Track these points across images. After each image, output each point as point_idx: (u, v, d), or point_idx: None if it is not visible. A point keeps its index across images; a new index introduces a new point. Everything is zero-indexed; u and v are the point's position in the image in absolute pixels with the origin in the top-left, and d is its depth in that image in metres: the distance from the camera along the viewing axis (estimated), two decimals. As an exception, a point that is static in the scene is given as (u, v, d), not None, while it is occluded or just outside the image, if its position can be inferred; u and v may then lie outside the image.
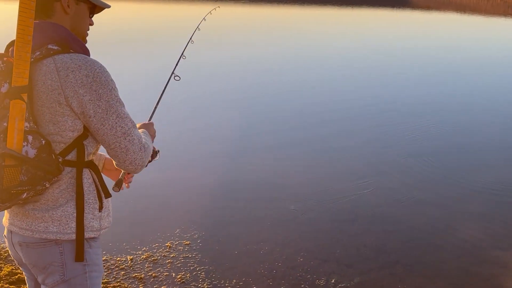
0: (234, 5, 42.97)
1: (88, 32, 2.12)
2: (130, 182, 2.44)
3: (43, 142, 1.84)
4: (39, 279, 2.04)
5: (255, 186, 6.19)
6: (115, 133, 1.92)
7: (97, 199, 2.03)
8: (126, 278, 4.23)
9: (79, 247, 1.98)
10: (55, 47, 1.89)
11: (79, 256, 1.99)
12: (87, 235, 2.00)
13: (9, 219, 2.03)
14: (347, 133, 8.55)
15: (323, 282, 4.23)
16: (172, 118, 8.80)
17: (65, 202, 1.96)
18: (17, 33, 1.78)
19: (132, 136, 1.96)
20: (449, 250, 4.79)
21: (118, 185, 2.24)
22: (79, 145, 1.95)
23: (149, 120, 2.63)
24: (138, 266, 4.40)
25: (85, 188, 1.99)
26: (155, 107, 2.88)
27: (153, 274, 4.28)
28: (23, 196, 1.84)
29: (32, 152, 1.81)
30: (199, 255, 4.58)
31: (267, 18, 34.04)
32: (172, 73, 3.22)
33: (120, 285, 4.12)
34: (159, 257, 4.53)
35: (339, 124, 9.09)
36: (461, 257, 4.68)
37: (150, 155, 2.09)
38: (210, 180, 6.36)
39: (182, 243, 4.78)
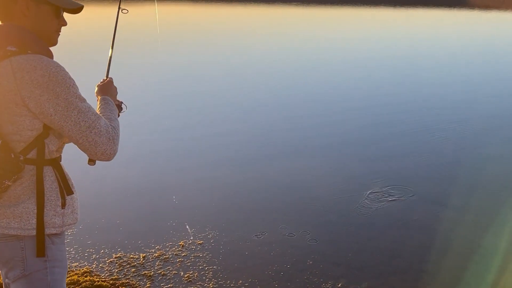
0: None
1: (60, 33, 2.16)
2: None
3: (0, 142, 1.91)
4: (3, 273, 2.12)
5: (270, 188, 6.18)
6: (79, 128, 1.97)
7: (59, 196, 2.07)
8: (136, 275, 4.31)
9: (40, 243, 2.03)
10: (13, 49, 1.94)
11: (40, 251, 2.03)
12: (48, 231, 2.04)
13: None
14: (363, 137, 8.39)
15: (330, 285, 4.17)
16: (186, 121, 8.92)
17: (27, 199, 2.01)
18: None
19: (98, 128, 2.00)
20: (465, 258, 4.61)
21: (92, 160, 2.26)
22: (39, 144, 2.00)
23: (107, 77, 2.57)
24: (149, 264, 4.48)
25: (47, 186, 2.04)
26: (109, 60, 2.75)
27: (162, 272, 4.34)
28: None
29: None
30: (210, 255, 4.62)
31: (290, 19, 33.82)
32: (119, 8, 2.92)
33: (128, 282, 4.21)
34: (170, 256, 4.60)
35: (356, 127, 8.94)
36: (479, 265, 4.50)
37: (119, 138, 2.12)
38: (228, 181, 6.40)
39: (195, 242, 4.84)
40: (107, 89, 2.39)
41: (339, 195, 5.95)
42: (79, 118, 1.96)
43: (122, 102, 2.51)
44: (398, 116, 9.59)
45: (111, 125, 2.10)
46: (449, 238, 4.96)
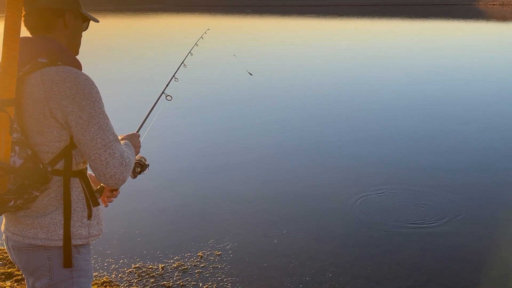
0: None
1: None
2: (110, 201, 2.46)
3: (29, 152, 1.93)
4: (30, 282, 2.14)
5: (290, 200, 6.16)
6: (95, 145, 1.96)
7: (85, 207, 2.09)
8: (154, 286, 4.33)
9: (67, 253, 2.05)
10: (44, 60, 1.98)
11: (67, 262, 2.06)
12: (74, 242, 2.07)
13: (5, 225, 2.15)
14: (388, 147, 8.35)
15: (349, 298, 4.15)
16: (204, 132, 8.94)
17: (54, 209, 2.04)
18: (3, 48, 1.89)
19: (113, 149, 1.99)
20: (488, 273, 4.55)
21: (99, 192, 2.29)
22: (66, 155, 2.02)
23: (137, 131, 2.66)
24: (168, 274, 4.49)
25: (74, 197, 2.06)
26: (144, 121, 2.91)
27: (181, 283, 4.35)
28: (10, 204, 1.94)
29: (19, 162, 1.91)
30: (228, 266, 4.61)
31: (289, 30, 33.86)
32: (163, 92, 3.22)
33: (147, 293, 4.23)
34: (189, 266, 4.61)
35: (381, 137, 8.91)
36: (501, 279, 4.44)
37: (131, 170, 2.10)
38: (246, 192, 6.41)
39: (214, 253, 4.84)
40: (131, 138, 2.35)
41: (361, 207, 5.90)
42: (97, 135, 1.96)
43: (148, 165, 2.47)
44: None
45: (126, 152, 2.08)
46: (474, 252, 4.91)
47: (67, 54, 2.06)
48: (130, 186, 6.23)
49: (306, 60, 19.94)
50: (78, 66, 2.08)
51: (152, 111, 3.11)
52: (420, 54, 22.19)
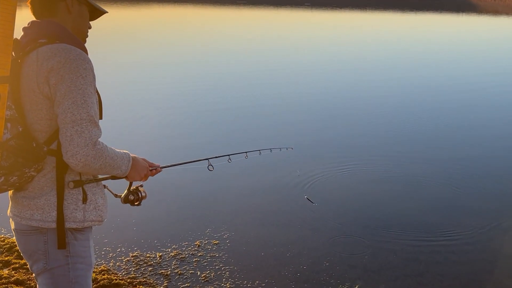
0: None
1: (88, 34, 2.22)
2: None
3: (20, 129, 1.92)
4: (29, 265, 2.15)
5: (287, 190, 6.17)
6: (64, 118, 1.90)
7: (81, 190, 2.05)
8: (152, 274, 4.33)
9: (60, 235, 2.02)
10: (44, 40, 1.98)
11: (61, 244, 2.03)
12: (68, 225, 2.03)
13: (10, 207, 2.15)
14: (389, 140, 8.40)
15: (346, 287, 4.17)
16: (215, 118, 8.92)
17: (49, 191, 2.01)
18: None
19: (82, 127, 1.89)
20: (484, 264, 4.60)
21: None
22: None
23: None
24: (166, 263, 4.49)
25: (69, 179, 2.02)
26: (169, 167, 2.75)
27: (179, 272, 4.36)
28: (1, 180, 1.91)
29: (7, 138, 1.90)
30: (226, 255, 4.63)
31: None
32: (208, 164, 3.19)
33: (146, 281, 4.23)
34: (187, 255, 4.61)
35: (384, 129, 8.96)
36: (496, 270, 4.49)
37: (105, 165, 1.99)
38: (243, 182, 6.42)
39: (211, 242, 4.85)
40: (137, 159, 2.23)
41: (358, 198, 5.95)
42: (68, 109, 1.89)
43: (143, 192, 2.37)
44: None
45: (104, 146, 1.98)
46: (468, 242, 4.96)
47: (69, 35, 2.04)
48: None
49: (296, 54, 19.92)
50: (81, 47, 2.05)
51: None
52: (415, 47, 22.24)
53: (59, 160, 1.99)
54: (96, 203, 2.12)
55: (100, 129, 1.98)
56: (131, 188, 2.37)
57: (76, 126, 1.90)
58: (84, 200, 2.06)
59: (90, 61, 1.98)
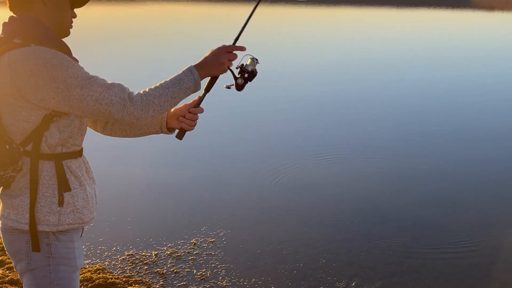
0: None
1: (72, 24, 2.13)
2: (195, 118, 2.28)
3: None
4: (13, 265, 2.12)
5: (283, 188, 6.15)
6: (87, 104, 1.91)
7: (56, 193, 1.99)
8: (148, 273, 4.31)
9: (34, 237, 1.99)
10: (19, 41, 1.92)
11: (35, 246, 1.99)
12: (41, 228, 1.99)
13: None
14: (385, 138, 8.39)
15: (343, 284, 4.16)
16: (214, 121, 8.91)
17: (25, 192, 1.98)
18: None
19: (108, 98, 1.92)
20: (481, 258, 4.60)
21: (178, 136, 2.29)
22: (36, 137, 1.95)
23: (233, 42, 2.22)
24: (162, 261, 4.47)
25: (44, 181, 1.98)
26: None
27: (175, 270, 4.34)
28: None
29: None
30: (222, 253, 4.61)
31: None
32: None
33: (141, 280, 4.20)
34: (182, 254, 4.59)
35: (379, 126, 8.95)
36: (493, 265, 4.49)
37: (164, 102, 2.00)
38: (239, 180, 6.39)
39: (207, 240, 4.83)
40: (203, 60, 2.11)
41: (354, 195, 5.94)
42: (83, 94, 1.89)
43: (255, 60, 2.11)
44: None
45: (144, 90, 2.00)
46: (464, 238, 4.95)
47: (47, 34, 1.98)
48: (123, 173, 6.25)
49: (296, 53, 19.90)
50: (60, 45, 2.00)
51: None
52: (417, 43, 22.26)
53: (33, 162, 1.96)
54: (75, 206, 2.04)
55: (118, 83, 1.97)
56: (234, 73, 2.17)
57: (104, 100, 1.92)
58: (60, 203, 2.00)
59: (60, 52, 1.94)
